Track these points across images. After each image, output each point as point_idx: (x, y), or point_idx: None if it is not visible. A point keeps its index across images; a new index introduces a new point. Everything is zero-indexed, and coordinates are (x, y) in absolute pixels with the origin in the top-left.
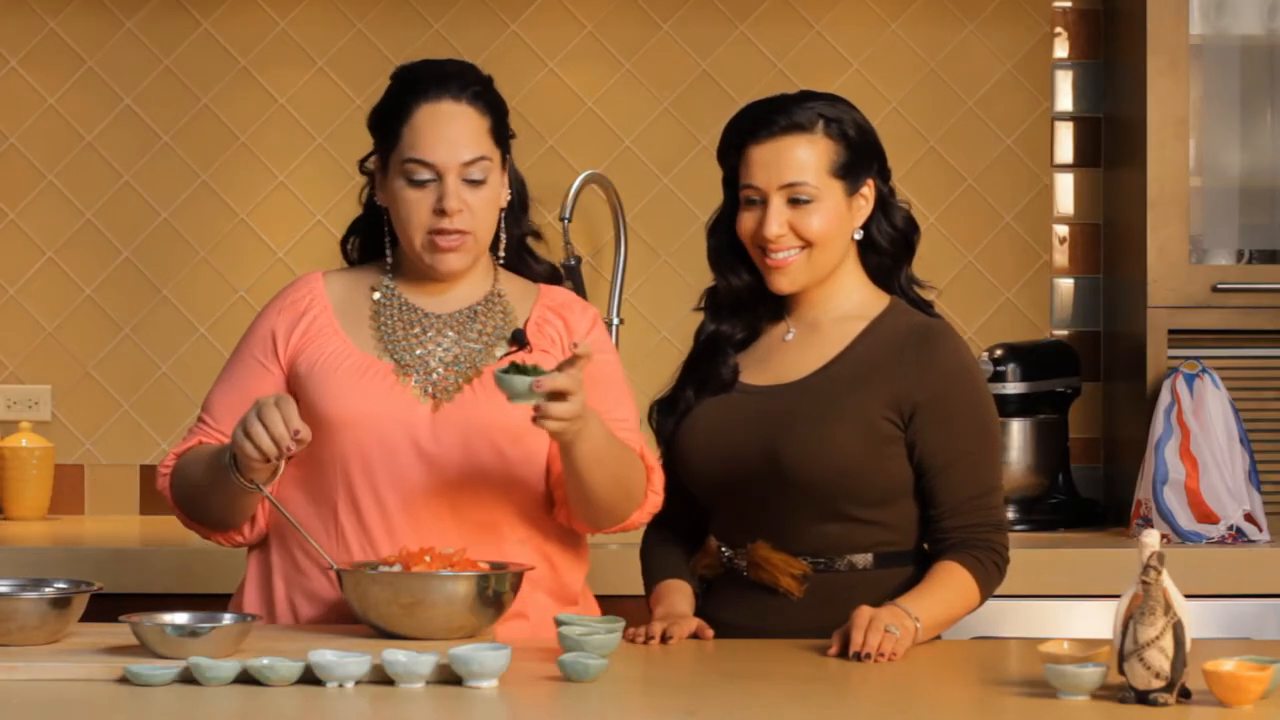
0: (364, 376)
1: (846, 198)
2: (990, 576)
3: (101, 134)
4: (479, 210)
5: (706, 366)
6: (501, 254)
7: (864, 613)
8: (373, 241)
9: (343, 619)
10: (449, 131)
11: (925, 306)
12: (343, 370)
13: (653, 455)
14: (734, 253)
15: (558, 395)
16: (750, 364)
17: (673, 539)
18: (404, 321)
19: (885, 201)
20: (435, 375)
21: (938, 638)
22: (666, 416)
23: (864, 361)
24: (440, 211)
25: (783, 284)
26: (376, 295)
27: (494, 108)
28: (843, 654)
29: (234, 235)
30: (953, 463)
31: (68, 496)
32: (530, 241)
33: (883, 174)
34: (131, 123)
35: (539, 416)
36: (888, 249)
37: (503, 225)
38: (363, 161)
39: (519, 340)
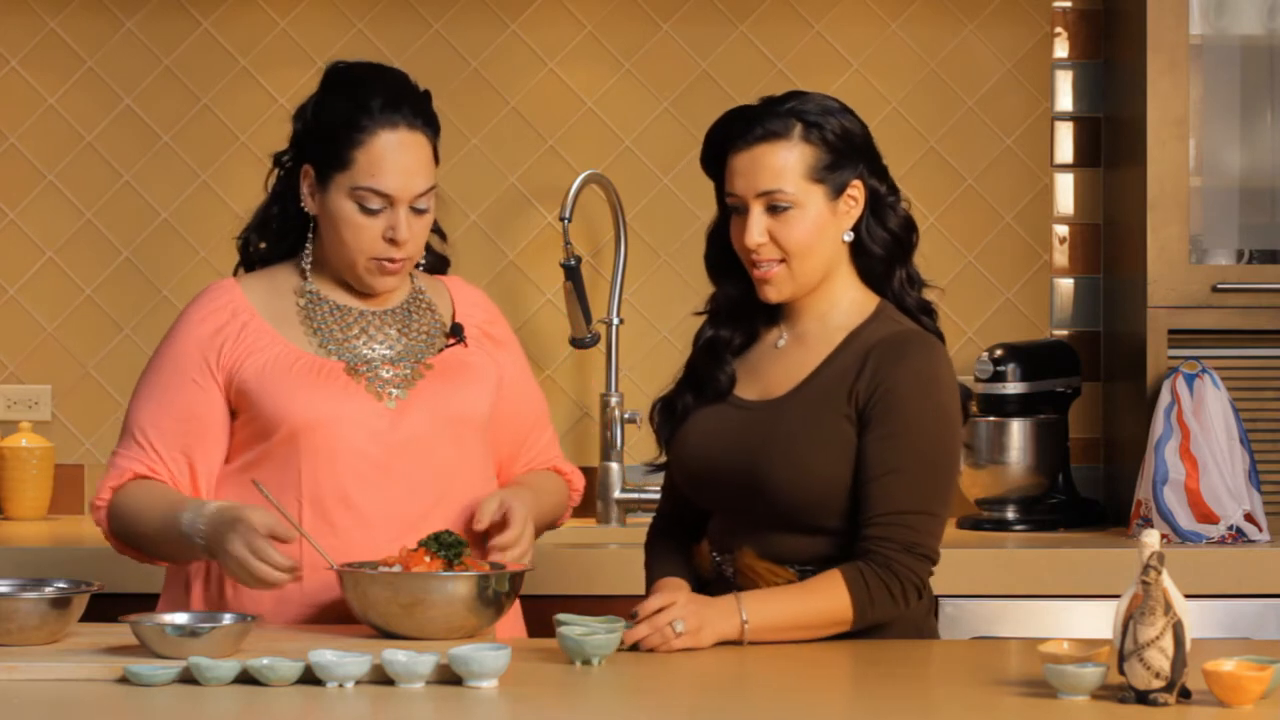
0: (318, 377)
1: (829, 201)
2: (875, 598)
3: (101, 134)
4: (420, 235)
5: (704, 371)
6: (422, 260)
7: (654, 600)
8: (280, 241)
9: (311, 616)
10: (406, 162)
11: (920, 312)
12: (295, 372)
13: (569, 465)
14: (728, 261)
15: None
16: (744, 372)
17: (674, 534)
18: (339, 322)
19: (879, 202)
20: (385, 372)
21: (936, 634)
22: (665, 420)
23: (835, 377)
24: (391, 241)
25: (770, 294)
26: (301, 301)
27: (436, 127)
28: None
29: (234, 235)
30: (886, 475)
31: (68, 496)
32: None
33: (875, 173)
34: (131, 123)
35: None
36: (879, 252)
37: None
38: (280, 156)
39: (458, 334)
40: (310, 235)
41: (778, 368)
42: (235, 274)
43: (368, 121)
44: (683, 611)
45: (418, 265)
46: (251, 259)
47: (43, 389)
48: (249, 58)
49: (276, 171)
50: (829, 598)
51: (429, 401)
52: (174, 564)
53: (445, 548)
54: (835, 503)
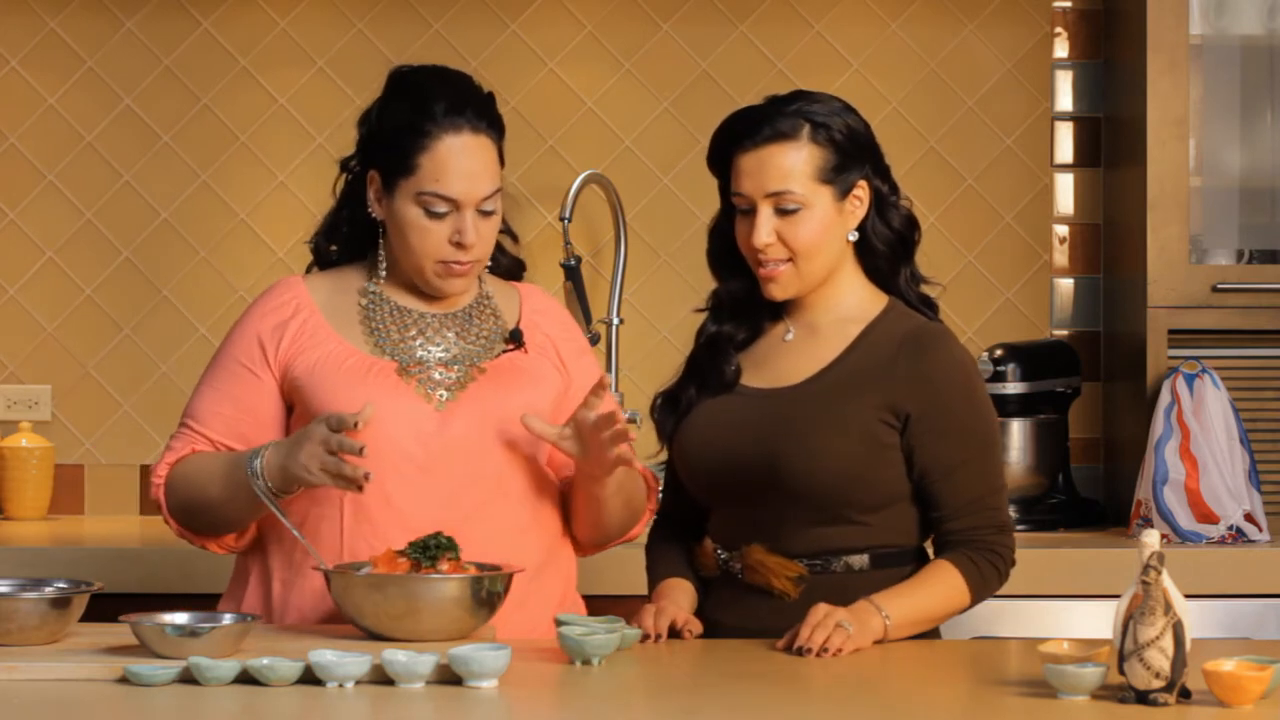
0: (368, 376)
1: (836, 202)
2: (986, 577)
3: (101, 134)
4: (488, 237)
5: (709, 365)
6: (487, 261)
7: (819, 609)
8: (350, 245)
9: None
10: (470, 166)
11: (925, 307)
12: (345, 370)
13: (651, 474)
14: (731, 257)
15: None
16: (750, 364)
17: (677, 535)
18: (397, 323)
19: (882, 201)
20: (437, 374)
21: (937, 634)
22: (668, 414)
23: (860, 368)
24: (458, 244)
25: (775, 293)
26: (364, 301)
27: (500, 130)
28: (789, 648)
29: (234, 235)
30: (954, 470)
31: (68, 496)
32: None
33: (879, 172)
34: (131, 123)
35: (618, 457)
36: (884, 251)
37: None
38: (348, 161)
39: (516, 339)
40: (381, 240)
41: (789, 358)
42: (307, 272)
43: (431, 126)
44: (841, 614)
45: (495, 270)
46: (324, 262)
47: (43, 389)
48: (249, 58)
49: (344, 177)
50: (949, 586)
51: (479, 405)
52: (229, 546)
53: (428, 550)
54: (849, 492)
